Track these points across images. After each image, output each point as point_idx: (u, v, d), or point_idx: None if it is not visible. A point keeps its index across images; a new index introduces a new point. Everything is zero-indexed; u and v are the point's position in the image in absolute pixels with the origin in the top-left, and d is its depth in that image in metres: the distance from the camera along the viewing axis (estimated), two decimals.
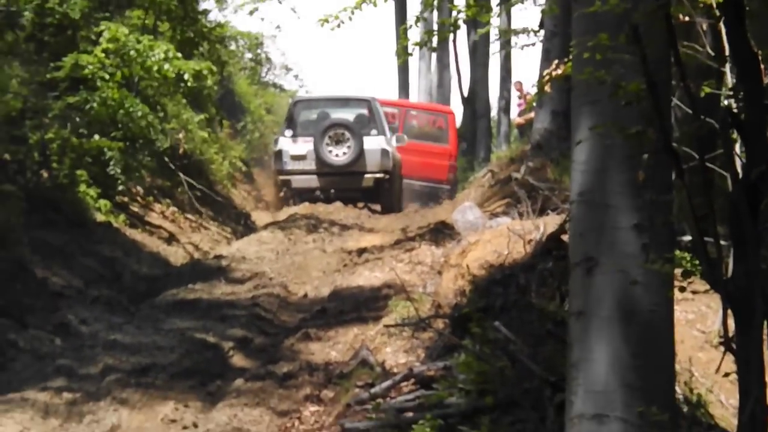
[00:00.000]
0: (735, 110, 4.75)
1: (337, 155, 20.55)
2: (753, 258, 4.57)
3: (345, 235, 16.49)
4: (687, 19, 5.64)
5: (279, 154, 20.91)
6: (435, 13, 26.00)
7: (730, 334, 4.69)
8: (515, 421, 6.95)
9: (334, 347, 10.14)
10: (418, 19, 18.56)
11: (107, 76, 15.50)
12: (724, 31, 4.83)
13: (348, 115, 21.51)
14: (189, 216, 18.80)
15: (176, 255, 16.25)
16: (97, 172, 15.44)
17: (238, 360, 10.08)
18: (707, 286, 4.72)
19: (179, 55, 16.22)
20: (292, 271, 13.82)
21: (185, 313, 11.62)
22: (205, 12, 19.23)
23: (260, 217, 21.43)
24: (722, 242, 4.73)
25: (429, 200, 23.99)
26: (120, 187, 15.96)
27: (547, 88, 13.78)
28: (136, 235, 16.03)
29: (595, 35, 4.99)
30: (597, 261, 5.29)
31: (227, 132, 25.73)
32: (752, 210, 4.59)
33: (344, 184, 20.60)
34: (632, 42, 4.60)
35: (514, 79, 30.12)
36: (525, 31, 17.77)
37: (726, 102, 4.74)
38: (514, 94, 29.98)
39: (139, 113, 15.76)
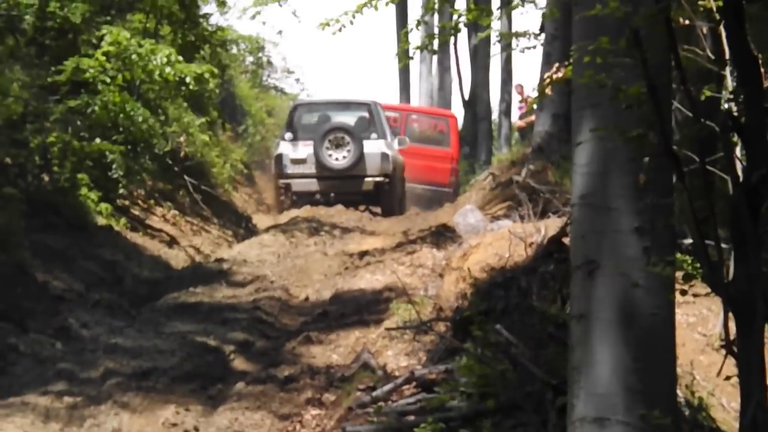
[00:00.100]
0: (735, 113, 4.75)
1: (337, 159, 20.55)
2: (754, 261, 4.57)
3: (346, 238, 16.49)
4: (687, 22, 5.64)
5: (279, 158, 20.92)
6: (436, 16, 26.04)
7: (732, 337, 4.69)
8: (517, 424, 6.96)
9: (335, 350, 10.14)
10: (419, 23, 18.59)
11: (108, 80, 15.50)
12: (724, 34, 4.83)
13: (348, 118, 21.51)
14: (190, 219, 18.80)
15: (177, 258, 16.25)
16: (98, 176, 15.44)
17: (239, 363, 10.08)
18: (708, 289, 4.72)
19: (180, 58, 16.22)
20: (293, 274, 13.82)
21: (186, 316, 11.62)
22: (207, 16, 19.21)
23: (261, 220, 21.44)
24: (723, 245, 4.73)
25: (431, 203, 23.99)
26: (121, 191, 15.96)
27: (547, 91, 13.76)
28: (137, 238, 16.03)
29: (595, 39, 4.99)
30: (598, 264, 5.29)
31: (228, 135, 25.74)
32: (753, 213, 4.59)
33: (344, 188, 20.60)
34: (633, 45, 4.60)
35: (515, 82, 30.10)
36: (526, 34, 17.75)
37: (726, 105, 4.74)
38: (515, 97, 29.96)
39: (140, 117, 15.76)
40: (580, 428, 5.26)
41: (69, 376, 9.35)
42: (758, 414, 4.52)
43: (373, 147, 20.68)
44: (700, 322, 9.56)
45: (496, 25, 22.05)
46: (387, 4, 15.61)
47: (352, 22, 15.80)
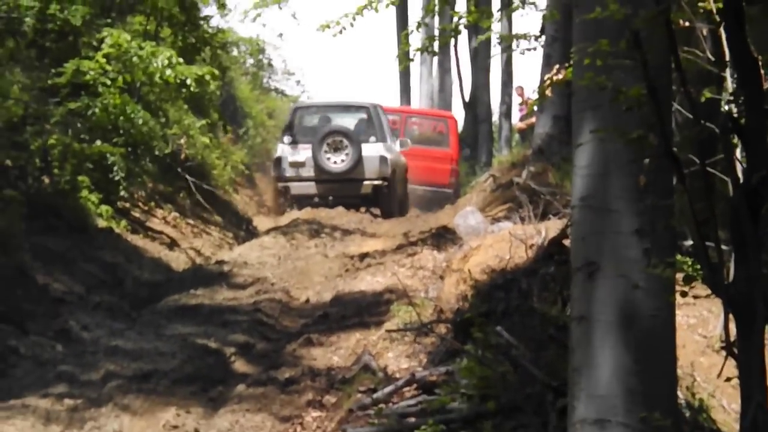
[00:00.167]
0: (735, 115, 4.75)
1: (335, 162, 20.56)
2: (754, 262, 4.57)
3: (347, 240, 16.50)
4: (687, 24, 5.65)
5: (278, 161, 20.95)
6: (436, 18, 26.04)
7: (732, 339, 4.69)
8: (517, 426, 6.95)
9: (336, 352, 10.14)
10: (419, 25, 18.59)
11: (109, 82, 15.51)
12: (724, 36, 4.83)
13: (348, 121, 21.53)
14: (190, 221, 18.80)
15: (178, 260, 16.25)
16: (99, 178, 15.44)
17: (239, 366, 10.08)
18: (708, 291, 4.72)
19: (181, 60, 16.23)
20: (294, 276, 13.83)
21: (187, 318, 11.62)
22: (207, 18, 19.21)
23: (262, 222, 21.45)
24: (723, 247, 4.73)
25: (431, 204, 24.01)
26: (122, 193, 15.96)
27: (548, 92, 13.77)
28: (138, 240, 16.04)
29: (595, 41, 4.99)
30: (598, 266, 5.29)
31: (229, 137, 25.75)
32: (753, 214, 4.59)
33: (342, 192, 20.61)
34: (633, 47, 4.60)
35: (515, 84, 30.12)
36: (526, 36, 17.77)
37: (726, 107, 4.74)
38: (516, 98, 29.98)
39: (141, 119, 15.77)
40: (581, 430, 5.26)
41: (69, 378, 9.35)
42: (759, 415, 4.52)
43: (371, 150, 20.68)
44: (700, 323, 9.56)
45: (496, 27, 22.06)
46: (387, 6, 15.62)
47: (352, 24, 15.82)
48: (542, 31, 17.81)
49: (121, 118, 15.61)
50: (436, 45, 18.17)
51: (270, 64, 35.70)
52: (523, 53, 18.99)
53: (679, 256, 5.21)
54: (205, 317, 11.67)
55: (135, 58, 15.67)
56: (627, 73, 4.90)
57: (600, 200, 5.34)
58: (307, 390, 8.93)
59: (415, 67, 32.52)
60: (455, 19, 16.72)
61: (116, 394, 8.87)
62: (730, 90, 4.92)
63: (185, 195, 19.30)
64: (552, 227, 9.40)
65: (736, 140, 4.78)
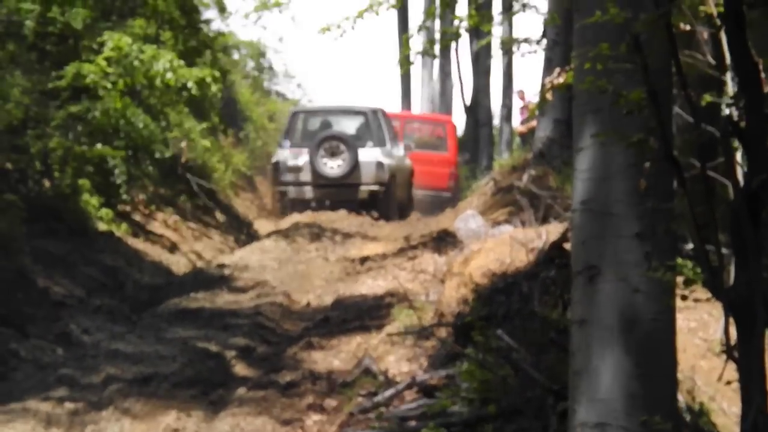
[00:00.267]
0: (736, 119, 4.75)
1: (332, 167, 20.57)
2: (754, 266, 4.57)
3: (347, 244, 16.50)
4: (688, 28, 5.64)
5: (276, 165, 20.98)
6: (437, 22, 26.04)
7: (732, 343, 4.69)
8: (518, 429, 6.96)
9: (337, 356, 10.14)
10: (420, 28, 18.61)
11: (109, 86, 15.51)
12: (725, 40, 4.83)
13: (347, 126, 21.54)
14: (191, 225, 18.81)
15: (178, 264, 16.26)
16: (99, 181, 15.45)
17: (240, 369, 10.07)
18: (709, 295, 4.72)
19: (182, 63, 16.23)
20: (294, 280, 13.83)
21: (187, 322, 11.62)
22: (208, 21, 19.23)
23: (262, 225, 21.45)
24: (724, 250, 4.73)
25: (430, 208, 24.05)
26: (122, 196, 15.96)
27: (549, 96, 13.80)
28: (138, 244, 16.04)
29: (596, 45, 5.00)
30: (599, 269, 5.29)
31: (230, 140, 25.75)
32: (753, 218, 4.59)
33: (339, 197, 20.63)
34: (633, 51, 4.61)
35: (516, 87, 30.16)
36: (527, 40, 17.80)
37: (727, 111, 4.74)
38: (517, 102, 30.00)
39: (142, 123, 15.77)
40: None
41: (70, 381, 9.35)
42: (759, 419, 4.52)
43: (368, 155, 20.69)
44: (700, 327, 9.56)
45: (497, 30, 22.09)
46: (388, 9, 15.64)
47: (353, 28, 15.85)
48: (543, 35, 17.84)
49: (122, 121, 15.61)
50: (437, 48, 18.19)
51: (271, 68, 35.73)
52: (523, 56, 19.02)
53: (679, 260, 5.20)
54: (205, 320, 11.67)
55: (136, 62, 15.67)
56: (627, 76, 4.90)
57: (601, 204, 5.34)
58: (307, 393, 8.93)
59: (416, 71, 32.59)
60: (456, 22, 16.76)
61: (117, 398, 8.87)
62: (731, 94, 4.92)
63: (186, 198, 19.30)
64: (553, 231, 9.41)
65: (736, 144, 4.78)
